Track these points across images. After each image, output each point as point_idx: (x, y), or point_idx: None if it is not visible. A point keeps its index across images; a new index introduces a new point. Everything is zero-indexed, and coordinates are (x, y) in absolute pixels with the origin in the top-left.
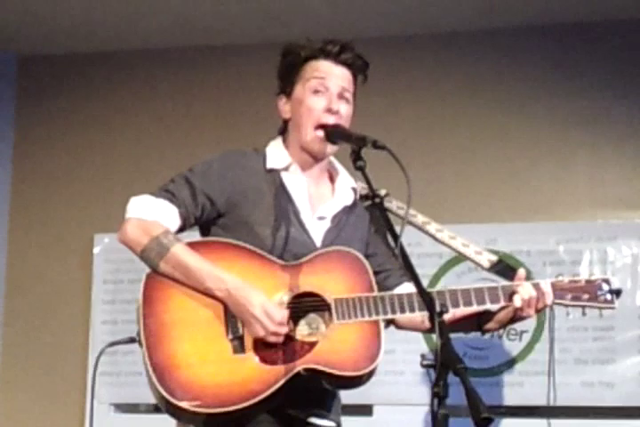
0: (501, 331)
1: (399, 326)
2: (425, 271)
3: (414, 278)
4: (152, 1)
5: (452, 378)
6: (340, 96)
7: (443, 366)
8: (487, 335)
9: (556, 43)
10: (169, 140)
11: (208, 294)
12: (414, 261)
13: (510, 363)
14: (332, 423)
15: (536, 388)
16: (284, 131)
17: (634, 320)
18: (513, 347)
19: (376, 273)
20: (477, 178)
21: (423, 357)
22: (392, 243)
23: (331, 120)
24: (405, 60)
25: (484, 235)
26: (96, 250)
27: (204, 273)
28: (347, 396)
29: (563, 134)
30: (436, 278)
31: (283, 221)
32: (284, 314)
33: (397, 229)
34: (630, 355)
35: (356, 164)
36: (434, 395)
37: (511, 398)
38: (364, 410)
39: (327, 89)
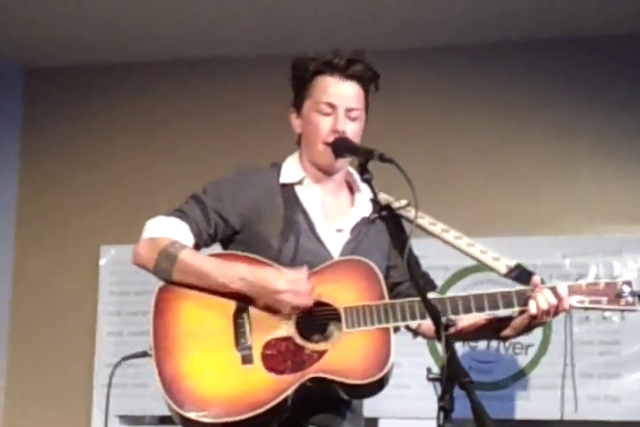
0: (507, 344)
1: (425, 336)
2: None
3: (419, 291)
4: (159, 13)
5: (457, 392)
6: (347, 115)
7: (449, 379)
8: (493, 349)
9: (563, 56)
10: (177, 151)
11: (224, 290)
12: None
13: (516, 377)
14: None
15: (542, 402)
16: (299, 143)
17: None
18: (519, 361)
19: (399, 283)
20: (483, 192)
21: (429, 370)
22: (413, 252)
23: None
24: (410, 74)
25: (490, 249)
26: (102, 262)
27: (216, 270)
28: None
29: (569, 149)
30: (442, 291)
31: (298, 233)
32: (303, 272)
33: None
34: (636, 369)
35: (363, 176)
36: (440, 409)
37: (517, 411)
38: (370, 423)
39: (335, 109)
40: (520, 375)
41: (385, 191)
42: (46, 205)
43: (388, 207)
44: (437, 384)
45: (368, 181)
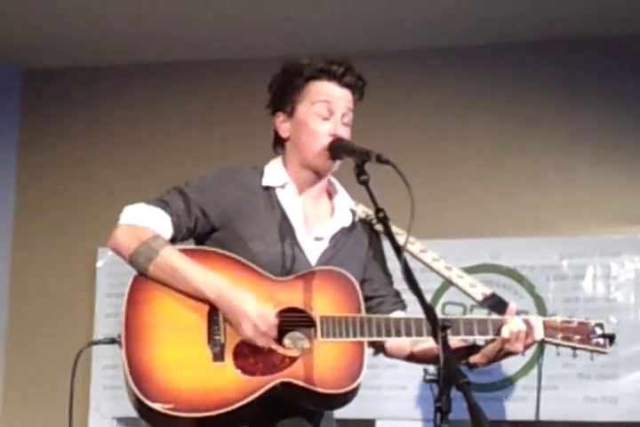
0: None
1: (388, 355)
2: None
3: (417, 293)
4: (156, 15)
5: (454, 393)
6: (343, 121)
7: (445, 380)
8: None
9: (560, 58)
10: (174, 153)
11: (197, 295)
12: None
13: (513, 378)
14: None
15: (540, 402)
16: (277, 147)
17: (637, 336)
18: (516, 362)
19: (370, 298)
20: (482, 193)
21: (426, 371)
22: (388, 269)
23: None
24: (410, 75)
25: (489, 249)
26: (99, 263)
27: (194, 275)
28: (349, 410)
29: (567, 150)
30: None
31: (277, 237)
32: (275, 318)
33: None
34: (633, 370)
35: (360, 178)
36: (436, 410)
37: (514, 412)
38: (367, 425)
39: (332, 113)
40: (517, 377)
41: (378, 193)
42: (43, 207)
43: (382, 210)
44: (434, 385)
45: (365, 183)
